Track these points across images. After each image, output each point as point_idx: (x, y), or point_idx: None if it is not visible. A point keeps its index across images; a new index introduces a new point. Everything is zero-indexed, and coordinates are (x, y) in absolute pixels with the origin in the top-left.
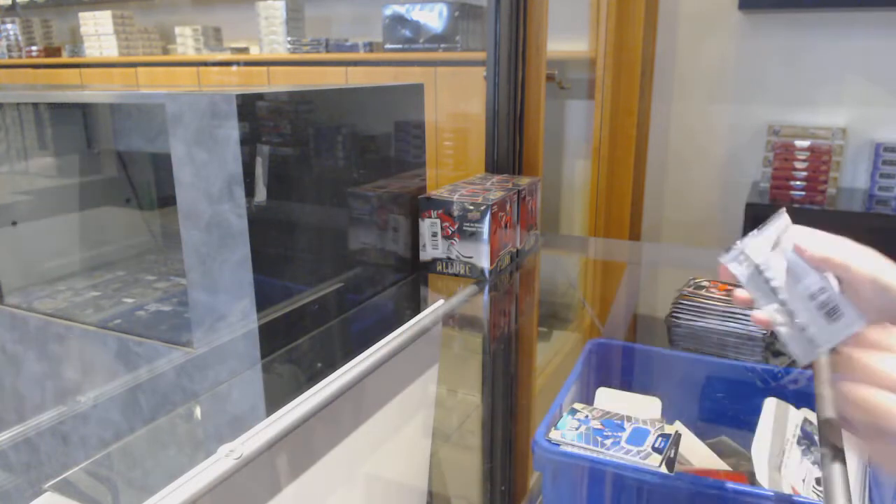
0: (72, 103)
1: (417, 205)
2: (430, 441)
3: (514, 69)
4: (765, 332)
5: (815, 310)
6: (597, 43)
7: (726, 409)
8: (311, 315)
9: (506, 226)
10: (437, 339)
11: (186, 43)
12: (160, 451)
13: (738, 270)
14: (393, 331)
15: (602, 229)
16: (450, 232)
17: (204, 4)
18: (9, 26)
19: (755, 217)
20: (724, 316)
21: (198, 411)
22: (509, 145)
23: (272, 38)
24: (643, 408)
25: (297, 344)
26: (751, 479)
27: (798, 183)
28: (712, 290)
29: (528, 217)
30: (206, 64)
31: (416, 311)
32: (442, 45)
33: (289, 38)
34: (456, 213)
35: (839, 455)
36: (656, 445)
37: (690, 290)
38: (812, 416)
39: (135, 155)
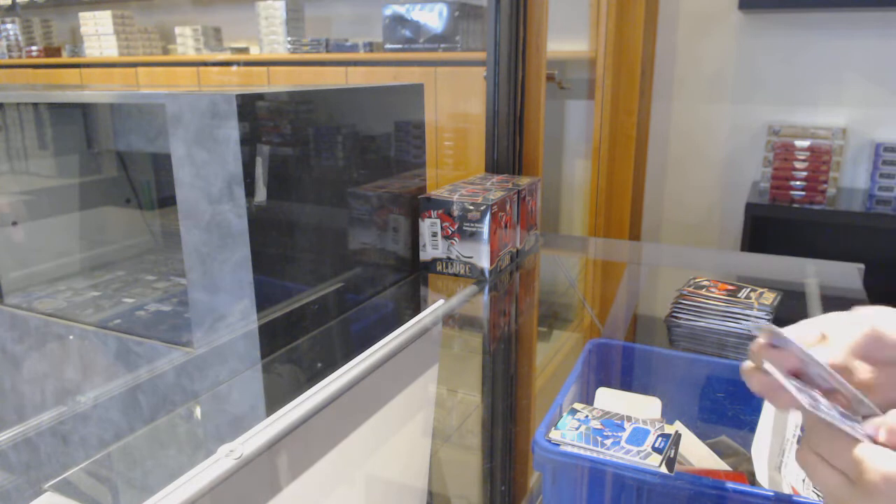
0: (72, 103)
1: (417, 205)
2: (430, 441)
3: (514, 69)
4: None
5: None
6: (597, 43)
7: (726, 409)
8: (311, 315)
9: (506, 226)
10: (437, 339)
11: (186, 43)
12: (160, 452)
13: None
14: (393, 331)
15: (602, 229)
16: (450, 232)
17: (204, 4)
18: (9, 26)
19: (755, 217)
20: (724, 316)
21: (198, 411)
22: (509, 145)
23: (272, 38)
24: (643, 408)
25: (297, 344)
26: (751, 479)
27: (798, 183)
28: (712, 289)
29: (528, 217)
30: (206, 64)
31: (416, 311)
32: (442, 45)
33: (289, 38)
34: (456, 213)
35: None
36: (656, 445)
37: (690, 290)
38: None
39: (135, 155)
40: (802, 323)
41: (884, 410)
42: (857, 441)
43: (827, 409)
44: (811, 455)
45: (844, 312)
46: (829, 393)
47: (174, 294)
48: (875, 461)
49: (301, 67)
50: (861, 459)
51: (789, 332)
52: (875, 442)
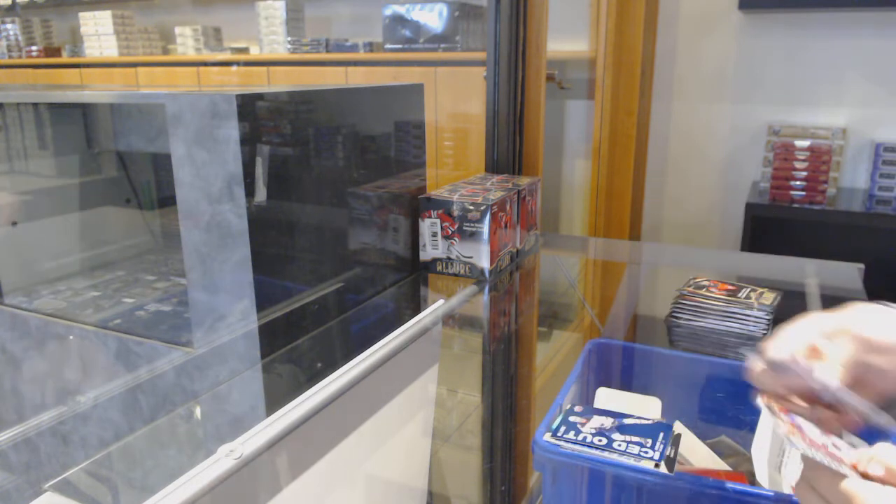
0: (72, 103)
1: (417, 205)
2: (430, 441)
3: (514, 69)
4: (765, 331)
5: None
6: (597, 43)
7: (726, 409)
8: (311, 315)
9: (506, 226)
10: (437, 339)
11: (186, 43)
12: (160, 452)
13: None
14: (393, 331)
15: (602, 229)
16: (450, 232)
17: (204, 4)
18: (9, 26)
19: (755, 217)
20: (724, 316)
21: (198, 411)
22: (509, 145)
23: (272, 38)
24: (643, 408)
25: (297, 344)
26: (751, 479)
27: (798, 183)
28: (712, 289)
29: (528, 217)
30: (206, 64)
31: (416, 311)
32: (442, 45)
33: (289, 38)
34: (456, 213)
35: None
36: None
37: (690, 289)
38: None
39: (135, 155)
40: (784, 333)
41: (875, 401)
42: (846, 476)
43: (819, 441)
44: (809, 491)
45: (823, 314)
46: (831, 407)
47: (174, 294)
48: (868, 498)
49: (301, 67)
50: (854, 495)
51: (779, 347)
52: (867, 476)
